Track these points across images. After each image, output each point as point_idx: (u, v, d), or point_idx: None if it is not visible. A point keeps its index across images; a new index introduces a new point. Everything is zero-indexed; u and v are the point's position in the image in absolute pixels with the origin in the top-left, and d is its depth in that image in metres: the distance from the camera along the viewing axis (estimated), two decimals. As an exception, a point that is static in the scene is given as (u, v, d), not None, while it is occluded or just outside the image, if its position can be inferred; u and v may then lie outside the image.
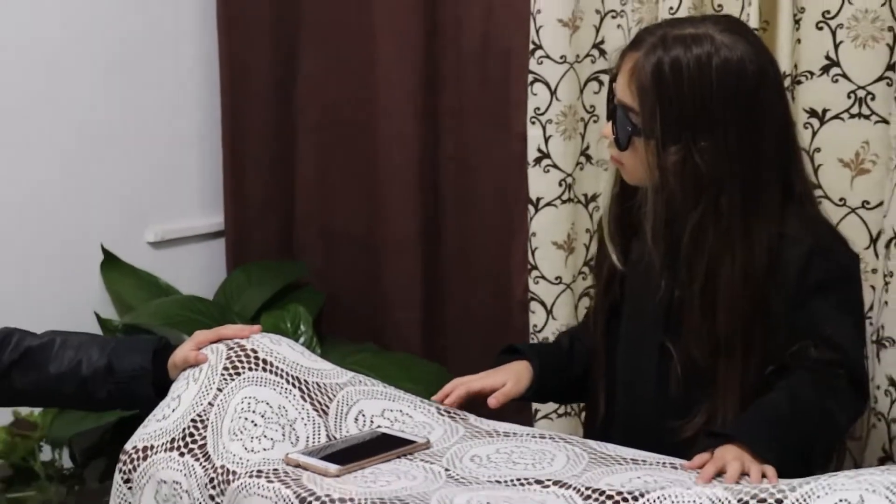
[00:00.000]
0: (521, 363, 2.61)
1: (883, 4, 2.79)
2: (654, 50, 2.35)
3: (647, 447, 2.34)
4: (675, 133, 2.33)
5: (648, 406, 2.49)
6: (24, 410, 3.40)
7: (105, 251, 3.73)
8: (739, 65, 2.33)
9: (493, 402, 2.51)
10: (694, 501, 2.02)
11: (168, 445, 2.31)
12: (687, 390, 2.42)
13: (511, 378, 2.56)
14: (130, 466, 2.33)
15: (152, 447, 2.32)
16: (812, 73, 2.87)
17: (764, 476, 2.10)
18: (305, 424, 2.37)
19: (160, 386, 2.48)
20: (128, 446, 2.35)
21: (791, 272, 2.35)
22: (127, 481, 2.34)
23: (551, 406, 3.36)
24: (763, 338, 2.37)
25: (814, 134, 2.88)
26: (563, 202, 3.27)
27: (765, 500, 1.99)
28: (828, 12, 2.83)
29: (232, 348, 2.44)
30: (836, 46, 2.83)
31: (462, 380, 2.54)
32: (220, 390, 2.37)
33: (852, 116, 2.84)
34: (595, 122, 3.26)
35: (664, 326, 2.46)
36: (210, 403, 2.35)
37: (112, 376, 2.51)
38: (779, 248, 2.36)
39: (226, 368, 2.40)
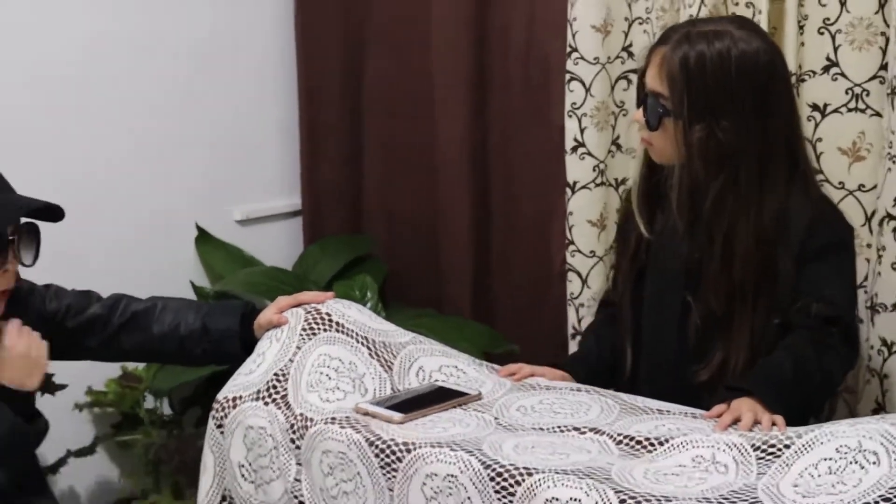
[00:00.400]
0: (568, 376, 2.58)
1: (876, 12, 2.76)
2: (680, 45, 2.35)
3: (668, 391, 2.36)
4: (700, 114, 2.34)
5: (670, 355, 2.49)
6: (131, 365, 3.41)
7: (199, 228, 3.73)
8: (754, 57, 2.34)
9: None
10: (713, 446, 2.01)
11: (254, 396, 2.31)
12: (704, 339, 2.42)
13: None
14: (222, 414, 2.34)
15: (241, 397, 2.32)
16: (814, 73, 2.84)
17: (774, 425, 2.09)
18: (373, 378, 2.37)
19: (247, 344, 2.49)
20: (220, 396, 2.36)
21: (795, 239, 2.36)
22: (219, 426, 2.34)
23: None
24: (771, 291, 2.37)
25: (816, 126, 2.85)
26: (597, 185, 3.24)
27: (774, 446, 1.98)
28: (828, 19, 2.81)
29: (309, 312, 2.44)
30: (836, 49, 2.81)
31: (526, 366, 2.52)
32: (298, 348, 2.37)
33: (850, 110, 2.82)
34: (624, 115, 3.23)
35: (685, 284, 2.45)
36: (290, 360, 2.35)
37: (206, 336, 2.52)
38: (786, 219, 2.36)
39: (304, 329, 2.40)
